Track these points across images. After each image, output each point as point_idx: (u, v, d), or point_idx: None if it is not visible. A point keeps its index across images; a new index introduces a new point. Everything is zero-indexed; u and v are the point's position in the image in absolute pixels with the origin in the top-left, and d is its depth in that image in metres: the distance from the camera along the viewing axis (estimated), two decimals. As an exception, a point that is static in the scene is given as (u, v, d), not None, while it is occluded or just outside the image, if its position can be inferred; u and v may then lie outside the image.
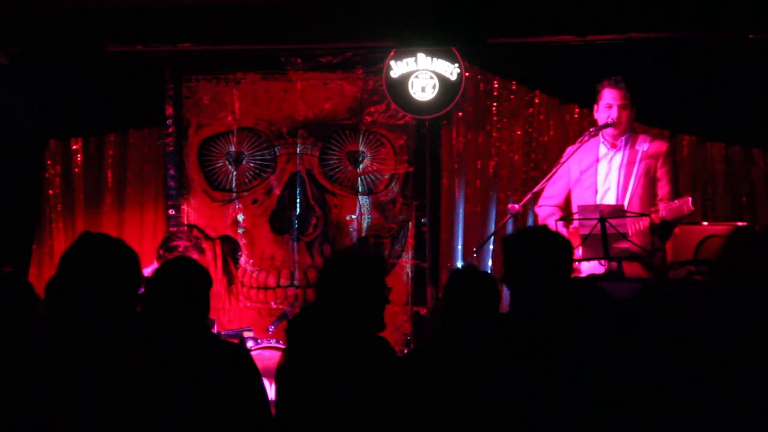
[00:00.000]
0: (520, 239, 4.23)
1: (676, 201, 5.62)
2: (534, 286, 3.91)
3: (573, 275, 4.76)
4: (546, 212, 6.21)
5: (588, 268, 5.77)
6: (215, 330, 6.50)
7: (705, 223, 6.24)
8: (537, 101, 7.43)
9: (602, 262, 5.55)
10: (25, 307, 3.69)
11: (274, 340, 6.56)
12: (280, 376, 3.99)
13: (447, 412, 3.66)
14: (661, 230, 5.73)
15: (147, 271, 4.95)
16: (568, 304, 3.74)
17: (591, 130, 6.06)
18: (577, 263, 5.69)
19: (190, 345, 3.67)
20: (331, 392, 3.80)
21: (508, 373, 3.65)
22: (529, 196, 6.13)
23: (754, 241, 4.00)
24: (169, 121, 7.68)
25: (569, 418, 3.55)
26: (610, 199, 5.92)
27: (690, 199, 5.56)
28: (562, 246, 4.14)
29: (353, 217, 7.65)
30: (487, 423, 3.62)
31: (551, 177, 6.06)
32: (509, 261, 4.08)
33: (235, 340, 6.31)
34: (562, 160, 6.09)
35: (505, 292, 4.09)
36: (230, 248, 7.71)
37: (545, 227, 4.68)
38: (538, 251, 4.05)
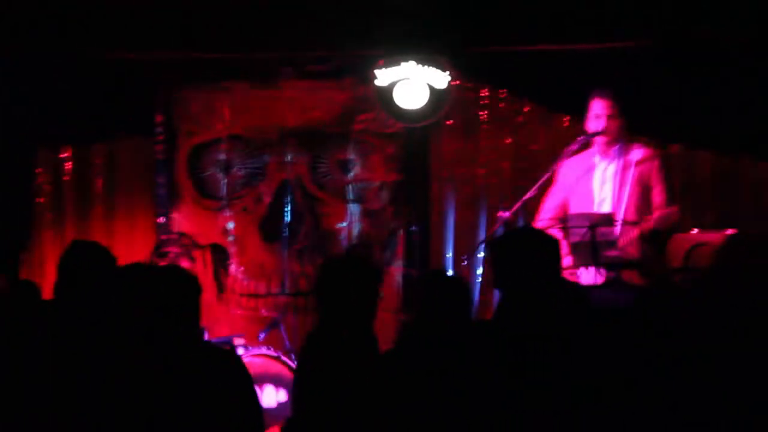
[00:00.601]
0: (507, 241, 4.18)
1: (666, 210, 5.65)
2: (524, 287, 3.88)
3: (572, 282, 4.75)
4: (543, 226, 6.18)
5: (587, 278, 5.75)
6: (206, 337, 6.49)
7: (695, 231, 6.25)
8: (526, 110, 7.45)
9: (601, 271, 5.57)
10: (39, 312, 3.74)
11: (265, 348, 6.56)
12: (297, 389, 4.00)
13: (420, 418, 3.67)
14: (653, 239, 5.74)
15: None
16: (556, 308, 3.74)
17: (579, 138, 6.09)
18: (576, 271, 5.71)
19: (181, 351, 3.68)
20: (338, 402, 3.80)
21: (489, 380, 3.64)
22: (520, 203, 6.13)
23: (749, 249, 4.00)
24: (159, 129, 7.67)
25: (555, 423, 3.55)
26: (606, 210, 5.92)
27: (677, 208, 5.59)
28: (550, 245, 4.06)
29: (343, 225, 7.65)
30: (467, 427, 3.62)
31: (542, 184, 6.07)
32: (498, 263, 4.04)
33: (226, 347, 6.31)
34: (555, 171, 6.11)
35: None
36: (220, 256, 7.70)
37: (531, 228, 4.67)
38: (525, 251, 3.98)
